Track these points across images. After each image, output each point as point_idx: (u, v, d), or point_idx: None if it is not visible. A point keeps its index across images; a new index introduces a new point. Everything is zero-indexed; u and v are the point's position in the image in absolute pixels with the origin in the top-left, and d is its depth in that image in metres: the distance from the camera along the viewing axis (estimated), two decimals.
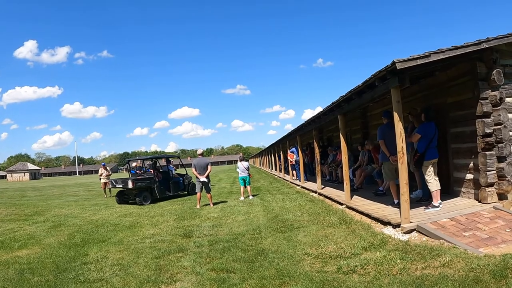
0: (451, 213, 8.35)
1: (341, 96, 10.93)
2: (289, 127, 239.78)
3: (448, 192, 10.34)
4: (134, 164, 24.54)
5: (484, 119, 8.77)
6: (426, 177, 9.19)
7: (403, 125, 8.08)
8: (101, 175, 25.51)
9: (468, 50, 8.13)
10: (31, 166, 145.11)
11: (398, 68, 7.40)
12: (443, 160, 9.77)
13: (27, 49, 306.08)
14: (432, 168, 9.14)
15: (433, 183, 9.08)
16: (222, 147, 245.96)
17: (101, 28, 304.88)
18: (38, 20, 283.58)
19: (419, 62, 7.56)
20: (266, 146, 65.87)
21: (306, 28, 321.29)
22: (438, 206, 8.94)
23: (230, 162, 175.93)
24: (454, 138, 10.19)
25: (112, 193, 23.85)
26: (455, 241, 6.76)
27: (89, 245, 9.61)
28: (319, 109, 14.75)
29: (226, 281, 6.02)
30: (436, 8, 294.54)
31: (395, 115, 8.01)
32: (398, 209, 8.81)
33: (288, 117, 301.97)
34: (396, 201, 10.12)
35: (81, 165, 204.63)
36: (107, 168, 25.96)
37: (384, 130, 10.25)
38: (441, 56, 7.77)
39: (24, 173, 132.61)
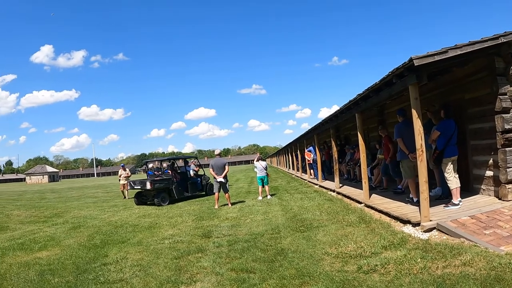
0: (471, 211, 8.27)
1: (358, 94, 10.90)
2: (306, 126, 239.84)
3: (467, 189, 10.24)
4: (151, 165, 24.67)
5: (503, 115, 8.67)
6: (446, 175, 9.11)
7: (422, 122, 8.03)
8: (120, 176, 25.61)
9: (485, 45, 8.05)
10: (49, 169, 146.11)
11: (415, 64, 7.35)
12: (462, 157, 9.68)
13: (43, 54, 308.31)
14: (452, 165, 9.06)
15: (453, 181, 9.00)
16: (239, 147, 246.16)
17: (116, 31, 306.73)
18: (54, 24, 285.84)
19: (437, 58, 7.51)
20: (283, 145, 65.74)
21: (320, 27, 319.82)
22: (458, 204, 8.86)
23: (247, 162, 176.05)
24: (472, 135, 10.09)
25: (130, 194, 23.98)
26: (475, 239, 6.69)
27: (109, 246, 9.67)
28: (335, 108, 14.71)
29: (246, 281, 6.03)
30: (454, 3, 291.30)
31: (414, 112, 7.95)
32: (418, 207, 8.76)
33: (305, 116, 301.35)
34: (415, 199, 10.10)
35: (99, 167, 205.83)
36: (127, 169, 26.02)
37: (400, 128, 10.28)
38: (459, 52, 7.70)
39: (43, 175, 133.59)
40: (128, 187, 21.12)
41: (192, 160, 24.19)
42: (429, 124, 10.04)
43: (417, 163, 9.37)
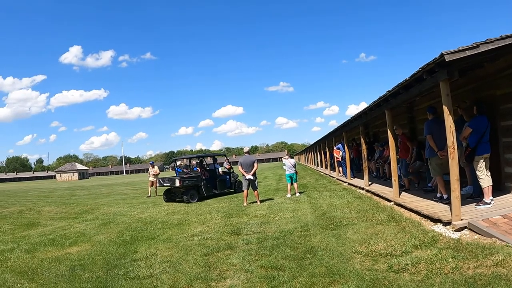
0: (503, 210, 8.14)
1: (388, 91, 10.81)
2: (334, 123, 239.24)
3: (499, 188, 10.07)
4: (179, 163, 24.85)
5: None
6: (478, 173, 8.97)
7: (453, 119, 7.94)
8: (149, 173, 25.74)
9: None
10: (79, 166, 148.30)
11: (446, 60, 7.26)
12: (494, 154, 9.52)
13: (72, 55, 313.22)
14: (484, 163, 8.91)
15: (485, 179, 8.87)
16: (267, 145, 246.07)
17: (143, 30, 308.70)
18: (82, 25, 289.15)
19: (468, 53, 7.40)
20: (311, 142, 65.66)
21: (347, 24, 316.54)
22: (490, 203, 8.73)
23: (275, 160, 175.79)
24: (504, 132, 9.93)
25: (158, 192, 24.22)
26: (508, 239, 6.58)
27: (138, 242, 9.80)
28: (363, 105, 14.66)
29: (275, 279, 6.04)
30: (484, 1, 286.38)
31: (445, 108, 7.87)
32: (448, 206, 8.66)
33: (332, 113, 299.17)
34: (445, 197, 10.04)
35: (127, 164, 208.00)
36: (155, 166, 26.10)
37: (430, 125, 10.25)
38: (490, 47, 7.57)
39: (73, 173, 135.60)
40: (158, 185, 21.24)
41: (225, 158, 24.30)
42: (460, 121, 9.91)
43: (446, 161, 9.35)
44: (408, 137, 12.92)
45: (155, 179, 24.10)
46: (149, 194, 24.60)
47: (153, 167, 25.87)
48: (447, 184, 10.09)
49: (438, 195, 10.38)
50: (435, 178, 11.10)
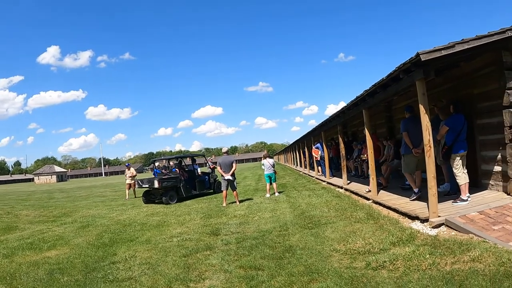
0: (480, 207, 8.24)
1: (365, 90, 10.87)
2: (313, 123, 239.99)
3: (476, 185, 10.18)
4: (157, 164, 24.75)
5: (511, 110, 8.63)
6: (454, 171, 9.07)
7: (429, 118, 8.01)
8: (126, 176, 25.55)
9: (492, 39, 8.01)
10: (57, 169, 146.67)
11: (422, 59, 7.33)
12: (470, 152, 9.61)
13: (50, 55, 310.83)
14: (460, 161, 9.01)
15: (462, 177, 8.97)
16: (246, 145, 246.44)
17: (122, 31, 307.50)
18: (60, 25, 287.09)
19: (444, 53, 7.48)
20: (290, 142, 65.78)
21: (326, 25, 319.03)
22: (467, 200, 8.83)
23: (255, 160, 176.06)
24: (481, 130, 10.05)
25: (137, 194, 24.05)
26: (484, 235, 6.66)
27: (117, 244, 9.73)
28: (342, 104, 14.75)
29: (254, 278, 6.04)
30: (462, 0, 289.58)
31: (421, 107, 7.93)
32: (426, 203, 8.72)
33: (312, 113, 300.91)
34: (415, 190, 10.42)
35: (106, 166, 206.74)
36: (131, 168, 25.94)
37: (406, 123, 10.48)
38: (466, 46, 7.67)
39: (51, 175, 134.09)
40: (136, 186, 21.07)
41: (210, 158, 24.24)
42: (437, 119, 10.00)
43: (421, 158, 9.65)
44: (377, 137, 13.01)
45: (133, 181, 24.01)
46: (127, 197, 24.28)
47: (129, 169, 25.73)
48: (417, 179, 10.63)
49: (416, 190, 10.49)
50: (409, 174, 11.27)
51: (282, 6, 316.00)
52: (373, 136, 12.99)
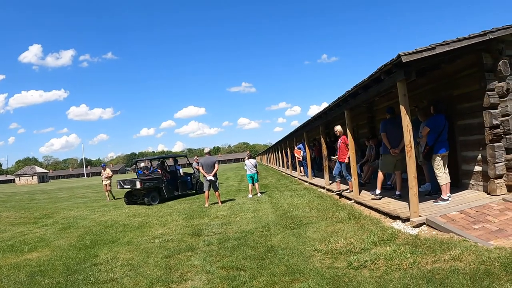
0: (461, 206, 8.32)
1: (347, 91, 10.91)
2: (295, 124, 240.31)
3: (456, 185, 10.28)
4: (142, 165, 24.57)
5: (491, 111, 8.73)
6: (436, 171, 9.14)
7: (410, 119, 8.06)
8: (102, 177, 25.18)
9: (473, 42, 8.09)
10: (39, 169, 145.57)
11: (403, 61, 7.37)
12: (451, 152, 9.68)
13: (31, 54, 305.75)
14: (442, 161, 9.09)
15: (442, 177, 9.05)
16: (229, 145, 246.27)
17: (105, 30, 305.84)
18: (42, 24, 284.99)
19: (425, 54, 7.54)
20: (273, 143, 65.89)
21: (309, 26, 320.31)
22: (447, 199, 8.91)
23: (237, 160, 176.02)
24: (461, 131, 10.14)
25: (115, 196, 23.96)
26: (465, 234, 6.72)
27: (99, 246, 9.65)
28: (324, 105, 14.69)
29: (236, 279, 6.03)
30: (445, 2, 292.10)
31: (402, 108, 7.99)
32: (407, 203, 8.78)
33: (294, 113, 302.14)
34: (378, 191, 10.82)
35: (88, 167, 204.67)
36: (107, 169, 25.50)
37: (386, 123, 10.61)
38: (447, 48, 7.74)
39: (32, 176, 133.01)
40: (118, 187, 20.85)
41: (195, 158, 24.16)
42: (418, 120, 10.09)
43: (399, 159, 9.97)
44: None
45: (108, 182, 23.88)
46: (107, 199, 23.89)
47: (104, 170, 25.39)
48: (382, 180, 10.90)
49: (397, 192, 10.58)
50: (394, 176, 11.35)
51: (265, 7, 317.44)
52: (343, 138, 13.00)
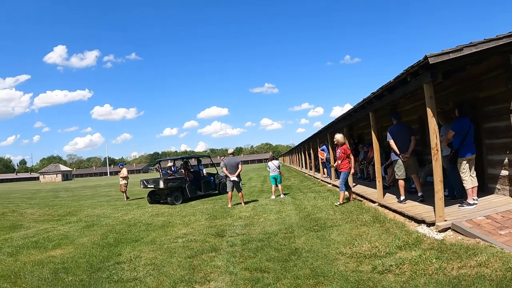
0: (486, 211, 8.19)
1: (372, 93, 10.84)
2: (318, 125, 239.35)
3: (482, 189, 10.13)
4: (168, 164, 24.60)
5: None
6: (461, 175, 9.02)
7: (437, 121, 7.97)
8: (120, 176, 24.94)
9: (500, 43, 7.95)
10: (63, 168, 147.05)
11: (430, 62, 7.29)
12: (477, 156, 9.57)
13: (56, 54, 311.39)
14: (467, 165, 8.97)
15: (468, 181, 8.92)
16: (251, 146, 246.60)
17: (128, 31, 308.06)
18: (66, 24, 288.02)
19: (452, 56, 7.44)
20: (296, 144, 65.75)
21: (332, 26, 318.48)
22: (473, 204, 8.79)
23: (260, 161, 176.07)
24: (487, 134, 10.00)
25: (136, 195, 23.84)
26: (491, 239, 6.63)
27: (122, 244, 9.75)
28: (348, 106, 14.69)
29: (260, 281, 6.04)
30: (469, 3, 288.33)
31: (428, 110, 7.90)
32: (432, 207, 8.69)
33: (317, 114, 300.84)
34: (402, 198, 10.64)
35: (111, 165, 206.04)
36: (124, 168, 25.24)
37: (392, 130, 10.78)
38: (474, 50, 7.63)
39: (56, 174, 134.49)
40: (141, 186, 20.82)
41: (222, 158, 24.20)
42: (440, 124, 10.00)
43: (410, 162, 10.25)
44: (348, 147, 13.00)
45: (123, 182, 23.70)
46: (125, 200, 23.64)
47: (121, 169, 25.03)
48: (406, 186, 10.79)
49: (419, 194, 10.54)
50: (413, 179, 11.32)
51: (288, 7, 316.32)
52: (344, 147, 12.82)
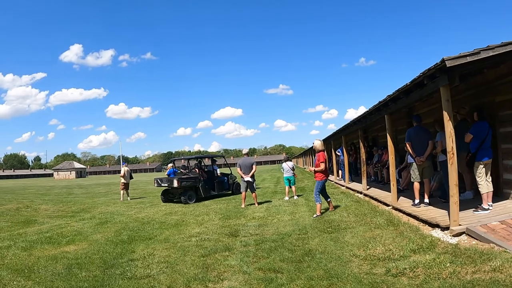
0: (501, 216, 8.15)
1: (388, 96, 10.82)
2: (332, 127, 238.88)
3: (497, 194, 10.06)
4: (186, 163, 24.51)
5: None
6: (477, 179, 8.98)
7: (453, 124, 7.94)
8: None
9: None
10: (77, 165, 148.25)
11: (447, 65, 7.25)
12: (492, 161, 9.54)
13: (72, 53, 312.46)
14: (484, 169, 8.92)
15: (484, 185, 8.88)
16: (265, 147, 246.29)
17: (144, 30, 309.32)
18: (83, 23, 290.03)
19: (469, 59, 7.40)
20: (309, 146, 65.62)
21: (347, 29, 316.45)
22: (488, 209, 8.74)
23: (273, 162, 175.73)
24: (503, 138, 9.94)
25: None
26: (506, 245, 6.59)
27: (136, 242, 9.83)
28: (362, 109, 14.65)
29: (273, 281, 6.06)
30: (486, 9, 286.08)
31: (445, 114, 7.87)
32: (447, 211, 8.66)
33: (331, 117, 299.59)
34: (416, 201, 10.62)
35: (125, 163, 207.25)
36: (124, 167, 24.30)
37: (410, 132, 10.80)
38: (491, 53, 7.57)
39: (70, 171, 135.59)
40: (155, 185, 20.70)
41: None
42: (460, 126, 9.94)
43: (426, 166, 10.37)
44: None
45: (122, 181, 23.23)
46: (121, 199, 23.30)
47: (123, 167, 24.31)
48: (420, 189, 10.74)
49: (426, 200, 10.65)
50: (434, 183, 11.27)
51: (304, 9, 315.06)
52: (321, 154, 12.33)
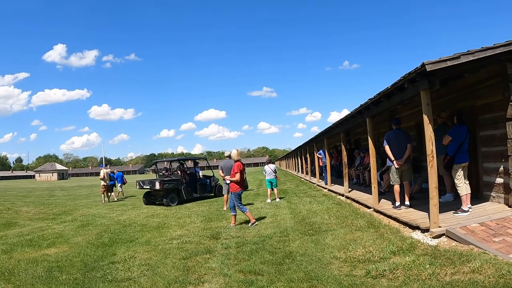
0: (481, 218, 8.24)
1: (370, 99, 10.89)
2: (316, 130, 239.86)
3: (477, 196, 10.19)
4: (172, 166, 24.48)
5: None
6: (456, 181, 9.09)
7: (433, 128, 8.01)
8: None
9: (497, 51, 7.99)
10: (59, 167, 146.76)
11: (428, 70, 7.32)
12: (473, 163, 9.64)
13: (56, 53, 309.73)
14: (462, 172, 9.04)
15: (463, 187, 8.98)
16: (248, 150, 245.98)
17: (128, 31, 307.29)
18: (67, 23, 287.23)
19: (449, 63, 7.47)
20: (292, 148, 65.82)
21: (331, 32, 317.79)
22: (468, 211, 8.83)
23: (256, 165, 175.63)
24: (483, 142, 10.05)
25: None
26: (485, 246, 6.67)
27: (117, 244, 9.77)
28: (345, 112, 14.71)
29: (254, 283, 6.04)
30: (468, 12, 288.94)
31: (425, 117, 7.93)
32: (427, 213, 8.73)
33: (315, 119, 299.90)
34: (397, 204, 10.72)
35: (108, 166, 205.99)
36: (102, 170, 23.76)
37: (389, 136, 10.86)
38: (471, 58, 7.66)
39: (52, 173, 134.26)
40: (137, 187, 20.63)
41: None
42: (440, 129, 10.03)
43: (404, 169, 10.48)
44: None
45: (104, 184, 22.91)
46: (102, 201, 23.06)
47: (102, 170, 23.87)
48: (401, 192, 10.82)
49: (406, 203, 10.73)
50: (414, 185, 11.36)
51: (288, 12, 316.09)
52: (238, 164, 11.55)
